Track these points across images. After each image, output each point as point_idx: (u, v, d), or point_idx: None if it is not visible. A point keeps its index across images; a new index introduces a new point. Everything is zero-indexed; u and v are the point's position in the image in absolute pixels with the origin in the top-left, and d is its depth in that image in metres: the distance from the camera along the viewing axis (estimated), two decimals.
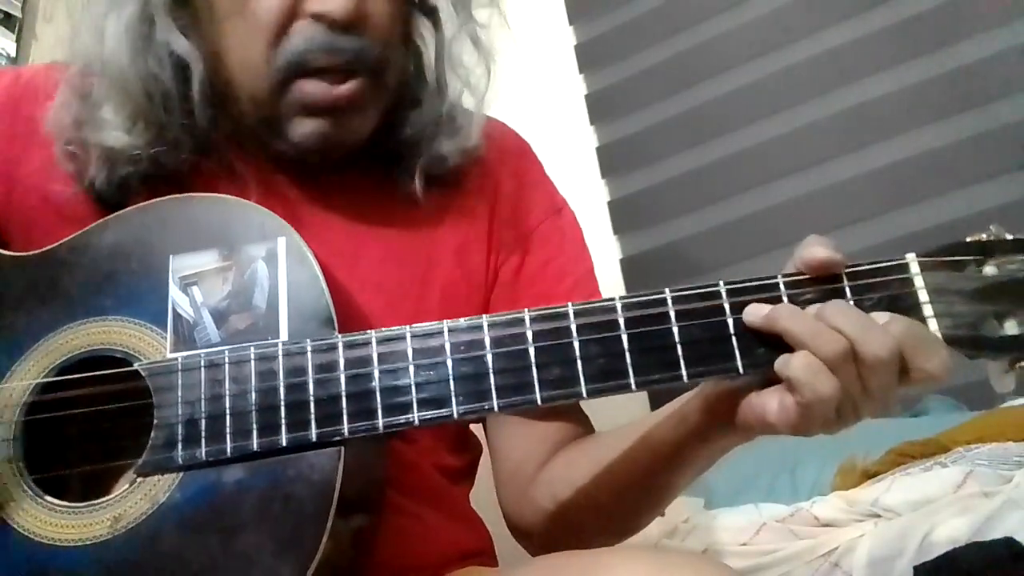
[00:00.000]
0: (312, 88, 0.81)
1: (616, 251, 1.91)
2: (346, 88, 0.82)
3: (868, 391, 0.64)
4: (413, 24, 0.92)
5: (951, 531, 1.04)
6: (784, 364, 0.64)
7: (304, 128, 0.83)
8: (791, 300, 0.67)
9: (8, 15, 2.18)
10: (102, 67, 0.83)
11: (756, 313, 0.66)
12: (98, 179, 0.83)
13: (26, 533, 0.69)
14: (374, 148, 0.90)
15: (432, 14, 0.93)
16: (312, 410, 0.67)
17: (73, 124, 0.83)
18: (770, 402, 0.66)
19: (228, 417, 0.68)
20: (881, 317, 0.64)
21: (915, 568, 1.00)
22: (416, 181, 0.89)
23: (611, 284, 1.82)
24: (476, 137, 0.92)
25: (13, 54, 2.17)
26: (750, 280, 0.68)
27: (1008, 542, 0.96)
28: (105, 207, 0.83)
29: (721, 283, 0.68)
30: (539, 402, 0.66)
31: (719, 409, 0.71)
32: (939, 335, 0.65)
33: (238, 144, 0.90)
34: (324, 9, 0.79)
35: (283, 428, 0.67)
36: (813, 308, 0.65)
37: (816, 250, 0.67)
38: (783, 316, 0.65)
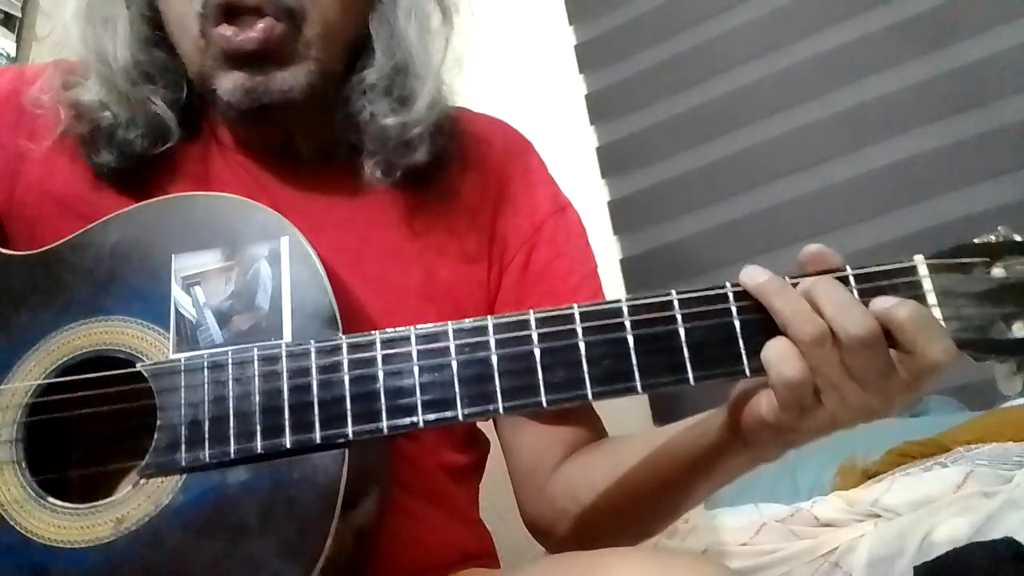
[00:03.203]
0: (225, 32, 0.81)
1: (616, 251, 1.91)
2: (256, 30, 0.80)
3: (854, 375, 0.63)
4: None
5: (951, 531, 1.04)
6: (764, 347, 0.65)
7: (227, 82, 0.82)
8: None
9: (8, 15, 2.17)
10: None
11: (752, 277, 0.67)
12: (79, 134, 0.85)
13: (28, 535, 0.69)
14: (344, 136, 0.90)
15: None
16: (316, 412, 0.67)
17: (58, 90, 0.86)
18: (760, 397, 0.67)
19: (232, 419, 0.68)
20: (888, 300, 0.64)
21: (915, 568, 1.00)
22: (368, 162, 0.88)
23: (611, 284, 1.82)
24: (424, 110, 0.88)
25: (13, 54, 2.16)
26: None
27: (1008, 542, 0.96)
28: (104, 190, 0.85)
29: (728, 284, 0.68)
30: (544, 404, 0.66)
31: (742, 427, 0.71)
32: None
33: (233, 142, 0.91)
34: None
35: (287, 430, 0.67)
36: (806, 282, 0.65)
37: (811, 246, 0.68)
38: (772, 291, 0.65)
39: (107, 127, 0.85)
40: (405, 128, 0.87)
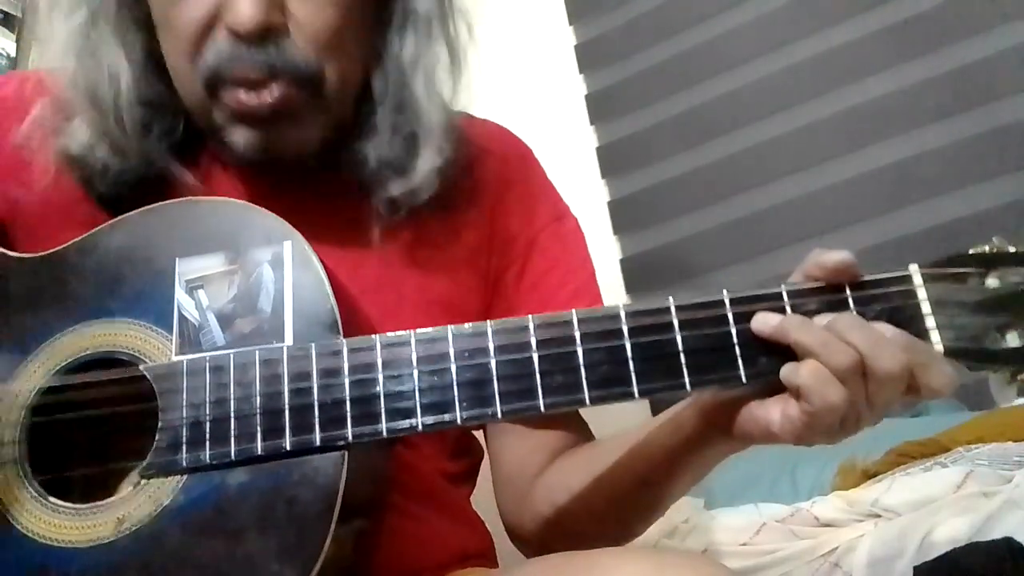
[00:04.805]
0: (234, 97, 0.80)
1: (616, 251, 1.91)
2: (266, 96, 0.80)
3: (873, 405, 0.64)
4: (387, 39, 0.89)
5: (951, 531, 1.04)
6: (793, 372, 0.64)
7: (239, 137, 0.82)
8: (794, 311, 0.67)
9: (8, 15, 2.17)
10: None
11: (766, 322, 0.66)
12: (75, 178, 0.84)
13: (30, 534, 0.69)
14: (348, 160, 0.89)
15: (401, 27, 0.90)
16: (316, 414, 0.67)
17: (46, 133, 0.85)
18: (772, 412, 0.66)
19: (232, 420, 0.68)
20: (885, 331, 0.64)
21: (915, 568, 1.00)
22: (374, 199, 0.88)
23: (611, 284, 1.82)
24: (427, 170, 0.87)
25: (13, 54, 2.16)
26: (753, 292, 0.68)
27: (1008, 542, 0.96)
28: (107, 207, 0.84)
29: (725, 293, 0.68)
30: (542, 409, 0.66)
31: (716, 418, 0.72)
32: (941, 347, 0.66)
33: (229, 154, 0.90)
34: (232, 23, 0.78)
35: (287, 432, 0.67)
36: (823, 319, 0.65)
37: (831, 254, 0.68)
38: (793, 327, 0.65)
39: (100, 170, 0.84)
40: (413, 194, 0.87)
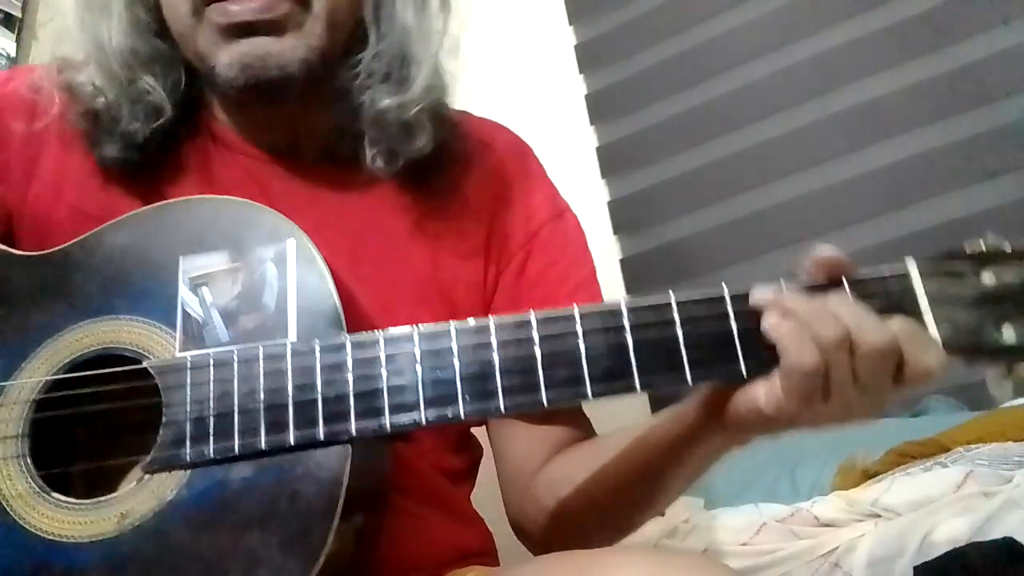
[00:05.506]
0: (220, 9, 0.80)
1: (616, 251, 1.91)
2: (256, 1, 0.80)
3: (860, 382, 0.64)
4: None
5: (951, 531, 1.04)
6: (773, 326, 0.65)
7: (224, 57, 0.81)
8: None
9: (8, 15, 2.18)
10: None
11: (763, 295, 0.67)
12: (80, 127, 0.86)
13: (33, 529, 0.70)
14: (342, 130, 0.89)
15: None
16: (320, 409, 0.67)
17: (54, 76, 0.87)
18: (759, 389, 0.67)
19: (236, 415, 0.68)
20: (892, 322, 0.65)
21: (915, 568, 1.00)
22: (370, 151, 0.88)
23: (611, 284, 1.82)
24: (420, 91, 0.88)
25: (13, 54, 2.17)
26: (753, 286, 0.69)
27: (1008, 542, 0.96)
28: (112, 191, 0.86)
29: (724, 287, 0.68)
30: (545, 403, 0.67)
31: (716, 408, 0.72)
32: (940, 341, 0.66)
33: (234, 141, 0.91)
34: None
35: (291, 426, 0.67)
36: (819, 296, 0.66)
37: (825, 248, 0.69)
38: (787, 298, 0.66)
39: (105, 115, 0.85)
40: (403, 109, 0.87)
